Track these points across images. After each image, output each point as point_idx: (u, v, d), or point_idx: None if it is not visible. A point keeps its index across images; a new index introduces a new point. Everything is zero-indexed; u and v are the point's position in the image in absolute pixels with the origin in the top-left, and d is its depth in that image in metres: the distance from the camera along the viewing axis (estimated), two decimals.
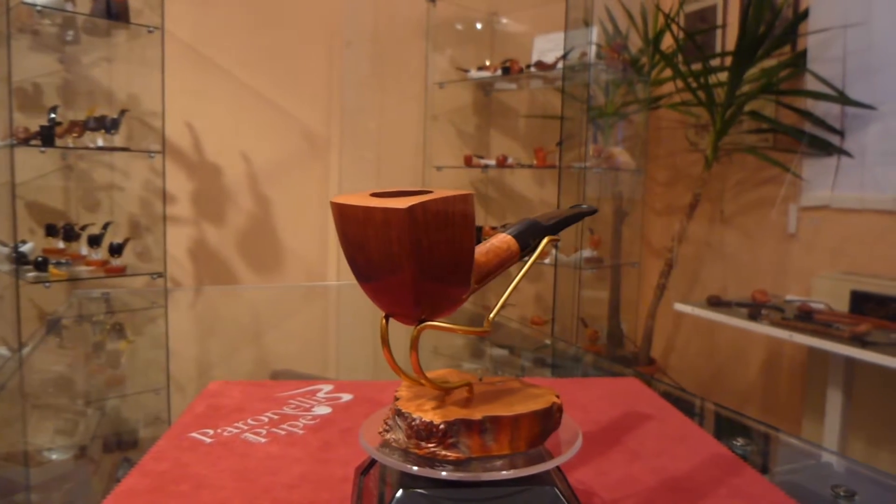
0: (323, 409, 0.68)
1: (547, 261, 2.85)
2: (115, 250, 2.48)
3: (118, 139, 2.57)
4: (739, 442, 0.62)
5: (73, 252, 2.54)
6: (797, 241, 2.64)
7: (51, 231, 2.59)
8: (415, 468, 0.40)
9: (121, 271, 2.52)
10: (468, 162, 3.07)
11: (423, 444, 0.41)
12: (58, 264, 2.45)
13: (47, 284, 2.39)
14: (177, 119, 2.84)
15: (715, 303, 2.44)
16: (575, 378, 0.81)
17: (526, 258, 0.47)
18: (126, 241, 2.56)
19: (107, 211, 2.81)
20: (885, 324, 1.91)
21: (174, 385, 2.68)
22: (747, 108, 2.57)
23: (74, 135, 2.46)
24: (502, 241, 0.45)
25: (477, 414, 0.41)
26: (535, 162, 2.91)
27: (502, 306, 0.47)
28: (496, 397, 0.45)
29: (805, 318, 2.07)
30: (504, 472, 0.40)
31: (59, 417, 2.21)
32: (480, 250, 0.45)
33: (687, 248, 3.15)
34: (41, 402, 2.30)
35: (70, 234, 2.54)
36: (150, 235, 2.78)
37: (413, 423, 0.41)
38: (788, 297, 2.44)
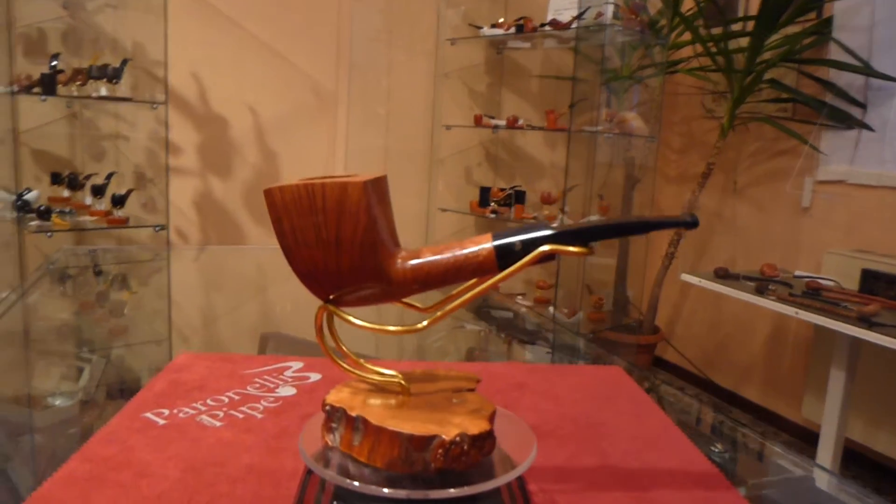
0: (287, 391, 0.66)
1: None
2: (118, 202, 2.47)
3: (122, 88, 2.53)
4: (718, 448, 0.60)
5: (77, 201, 2.54)
6: (810, 215, 2.57)
7: (56, 179, 2.58)
8: (355, 483, 0.37)
9: (123, 223, 2.51)
10: (478, 121, 3.00)
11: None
12: (61, 213, 2.45)
13: (49, 234, 2.39)
14: (182, 69, 2.79)
15: (722, 275, 2.39)
16: (556, 364, 0.78)
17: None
18: (129, 192, 2.54)
19: (112, 161, 2.79)
20: (895, 304, 1.87)
21: (176, 336, 2.69)
22: (767, 76, 2.47)
23: (78, 83, 2.42)
24: (474, 243, 0.41)
25: (368, 413, 0.39)
26: (545, 124, 2.84)
27: (446, 312, 0.43)
28: (419, 405, 0.42)
29: (813, 296, 2.02)
30: (452, 490, 0.38)
31: (63, 364, 2.22)
32: (431, 250, 0.42)
33: (698, 217, 3.09)
34: (45, 349, 2.32)
35: (74, 184, 2.53)
36: (155, 187, 2.77)
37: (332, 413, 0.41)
38: (798, 273, 2.39)
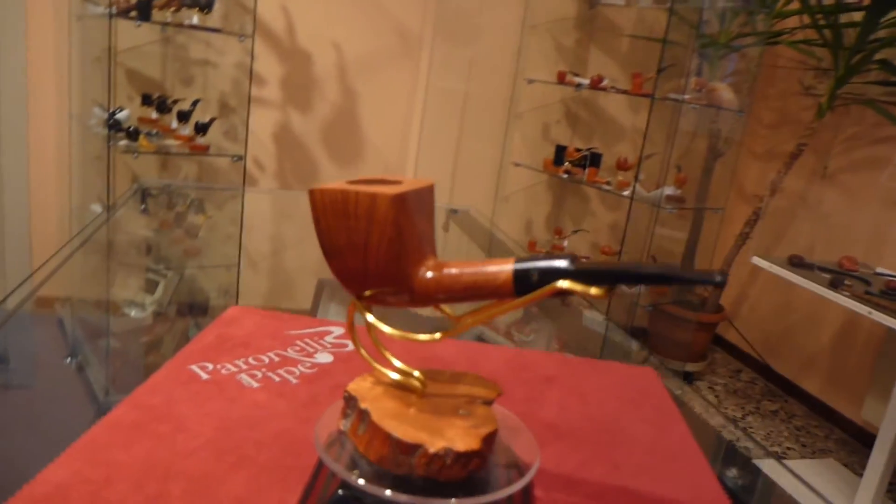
0: (325, 357, 0.69)
1: (625, 192, 2.74)
2: (201, 129, 2.56)
3: (213, 17, 2.59)
4: (733, 473, 0.60)
5: (163, 124, 2.64)
6: None
7: (146, 101, 2.69)
8: (361, 481, 0.40)
9: (204, 150, 2.61)
10: (561, 78, 2.92)
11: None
12: (148, 135, 2.56)
13: (136, 154, 2.51)
14: (272, 2, 2.82)
15: (796, 263, 2.29)
16: (590, 359, 0.78)
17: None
18: (212, 120, 2.63)
19: (199, 87, 2.88)
20: None
21: (246, 262, 2.81)
22: (878, 56, 2.29)
23: (172, 9, 2.49)
24: (495, 265, 0.42)
25: (379, 417, 0.42)
26: (630, 87, 2.74)
27: (458, 330, 0.44)
28: (425, 409, 0.44)
29: (891, 296, 1.93)
30: (453, 500, 0.40)
31: (140, 277, 2.37)
32: (457, 265, 0.43)
33: (780, 199, 2.95)
34: (126, 261, 2.47)
35: (162, 107, 2.63)
36: (237, 117, 2.85)
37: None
38: (879, 270, 2.26)
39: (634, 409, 0.67)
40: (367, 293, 0.45)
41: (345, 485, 0.41)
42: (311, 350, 0.71)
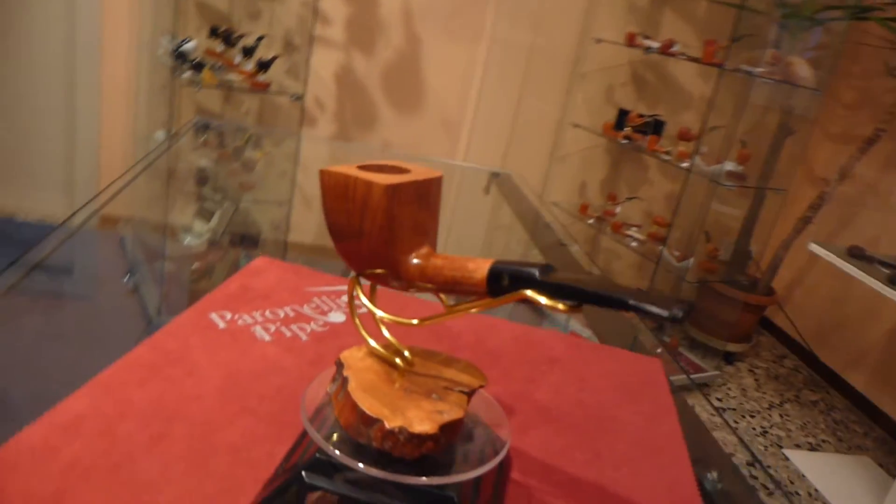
0: (337, 317, 0.72)
1: (684, 164, 2.66)
2: (263, 66, 2.60)
3: None
4: (713, 476, 0.61)
5: (228, 58, 2.69)
6: None
7: (213, 33, 2.74)
8: (337, 452, 0.43)
9: (265, 87, 2.65)
10: (630, 40, 2.82)
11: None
12: (213, 68, 2.61)
13: (198, 87, 2.58)
14: None
15: (855, 254, 2.21)
16: (598, 344, 0.79)
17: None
18: (274, 58, 2.66)
19: (266, 22, 2.91)
20: None
21: (299, 200, 2.89)
22: None
23: None
24: (474, 264, 0.43)
25: (356, 392, 0.44)
26: (702, 55, 2.63)
27: (434, 319, 0.45)
28: (402, 385, 0.46)
29: None
30: (424, 479, 0.42)
31: (198, 205, 2.48)
32: (444, 258, 0.44)
33: (849, 185, 2.82)
34: (185, 189, 2.58)
35: (228, 40, 2.68)
36: (300, 55, 2.87)
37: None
38: None
39: (630, 399, 0.68)
40: (365, 272, 0.48)
41: (323, 450, 0.44)
42: (326, 308, 0.74)
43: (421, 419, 0.42)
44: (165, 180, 2.40)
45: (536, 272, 0.39)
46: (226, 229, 2.56)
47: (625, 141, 2.89)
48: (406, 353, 0.49)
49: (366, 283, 0.50)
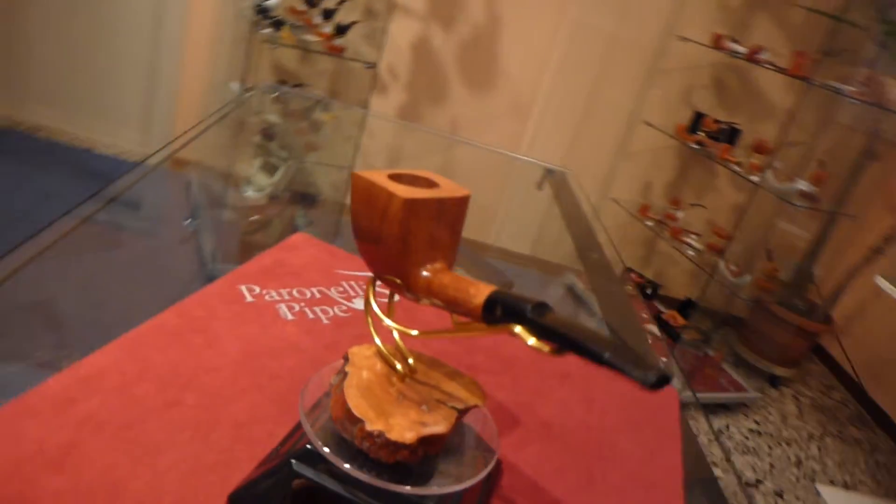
0: (361, 304, 0.74)
1: (755, 177, 2.57)
2: (341, 30, 2.62)
3: None
4: None
5: (308, 18, 2.73)
6: None
7: None
8: (325, 449, 0.45)
9: (340, 51, 2.68)
10: (717, 42, 2.71)
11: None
12: (292, 27, 2.65)
13: (275, 46, 2.62)
14: None
15: None
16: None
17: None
18: (353, 23, 2.68)
19: None
20: None
21: (362, 165, 2.93)
22: None
23: None
24: (476, 289, 0.43)
25: (350, 395, 0.45)
26: (790, 66, 2.51)
27: (432, 334, 0.46)
28: (398, 390, 0.47)
29: None
30: (408, 487, 0.44)
31: (263, 159, 2.54)
32: (453, 276, 0.45)
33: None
34: (253, 141, 2.64)
35: (311, 0, 2.71)
36: (378, 22, 2.88)
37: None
38: None
39: (636, 427, 0.67)
40: (380, 276, 0.49)
41: (310, 455, 0.46)
42: (352, 294, 0.76)
43: (402, 427, 0.43)
44: (235, 132, 2.47)
45: (528, 310, 0.39)
46: (287, 186, 2.63)
47: (696, 146, 2.81)
48: (410, 361, 0.50)
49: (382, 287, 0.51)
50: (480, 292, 0.42)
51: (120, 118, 3.19)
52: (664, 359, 2.83)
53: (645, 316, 3.18)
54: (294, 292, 0.72)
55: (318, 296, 0.73)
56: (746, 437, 2.59)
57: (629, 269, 3.29)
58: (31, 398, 0.50)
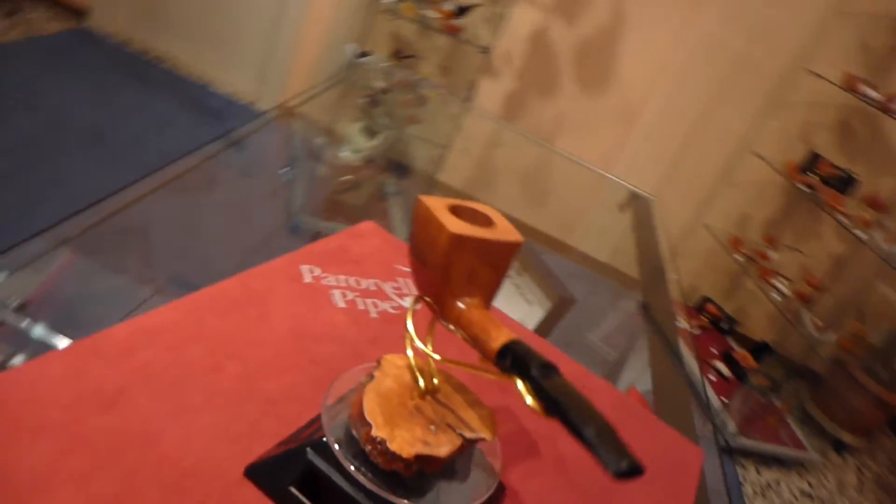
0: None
1: (861, 232, 2.42)
2: (461, 10, 2.63)
3: None
4: None
5: None
6: None
7: None
8: (335, 446, 0.48)
9: (457, 32, 2.69)
10: (849, 84, 2.55)
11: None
12: (416, 0, 2.69)
13: (395, 16, 2.66)
14: None
15: None
16: (646, 412, 0.78)
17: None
18: (474, 6, 2.68)
19: None
20: None
21: (460, 145, 2.96)
22: None
23: None
24: (498, 333, 0.44)
25: (369, 408, 0.47)
26: None
27: (452, 361, 0.48)
28: (415, 404, 0.49)
29: None
30: (405, 502, 0.46)
31: (366, 122, 2.61)
32: (484, 315, 0.47)
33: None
34: (358, 104, 2.72)
35: None
36: (499, 8, 2.87)
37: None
38: None
39: (650, 481, 0.67)
40: (423, 296, 0.51)
41: (319, 448, 0.50)
42: (405, 291, 0.79)
43: (404, 440, 0.46)
44: (344, 92, 2.54)
45: (534, 368, 0.40)
46: (383, 153, 2.70)
47: (805, 187, 2.67)
48: (435, 381, 0.52)
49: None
50: (500, 338, 0.44)
51: (240, 62, 3.34)
52: (724, 399, 2.74)
53: (714, 351, 3.08)
54: (351, 280, 0.76)
55: (372, 288, 0.77)
56: (796, 498, 2.48)
57: (707, 300, 3.19)
58: (99, 340, 0.55)
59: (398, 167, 2.71)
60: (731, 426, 2.58)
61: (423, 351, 0.50)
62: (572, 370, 0.79)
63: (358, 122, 2.52)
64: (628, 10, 2.84)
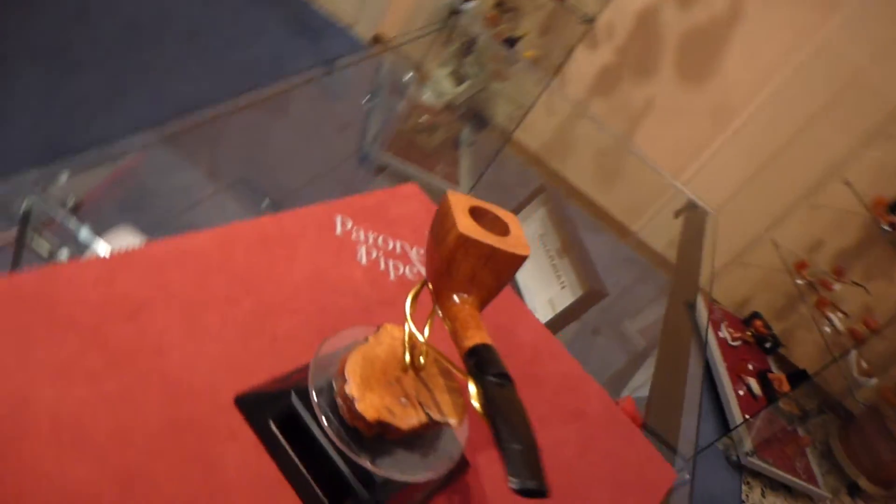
0: None
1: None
2: None
3: None
4: None
5: None
6: None
7: None
8: (314, 394, 0.52)
9: None
10: None
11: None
12: None
13: None
14: None
15: None
16: (630, 423, 0.80)
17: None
18: None
19: None
20: None
21: (540, 107, 2.93)
22: None
23: None
24: (475, 334, 0.47)
25: (349, 374, 0.51)
26: None
27: (437, 355, 0.51)
28: (397, 373, 0.53)
29: None
30: (368, 462, 0.51)
31: (454, 67, 2.62)
32: (467, 316, 0.50)
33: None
34: (450, 48, 2.72)
35: None
36: None
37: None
38: None
39: (618, 487, 0.70)
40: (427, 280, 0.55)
41: (316, 389, 0.54)
42: None
43: (371, 404, 0.50)
44: (440, 33, 2.54)
45: (491, 375, 0.44)
46: (465, 101, 2.70)
47: (888, 227, 2.54)
48: (422, 359, 0.56)
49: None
50: (474, 338, 0.47)
51: None
52: (747, 415, 2.70)
53: (750, 367, 3.03)
54: (379, 239, 0.80)
55: (398, 250, 0.80)
56: None
57: (757, 315, 3.11)
58: (135, 254, 0.61)
59: (477, 118, 2.71)
60: (748, 444, 2.56)
61: (412, 329, 0.53)
62: (567, 370, 0.81)
63: (447, 66, 2.51)
64: (749, 5, 2.70)
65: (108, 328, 0.54)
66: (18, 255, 0.62)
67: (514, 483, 0.38)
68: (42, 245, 0.61)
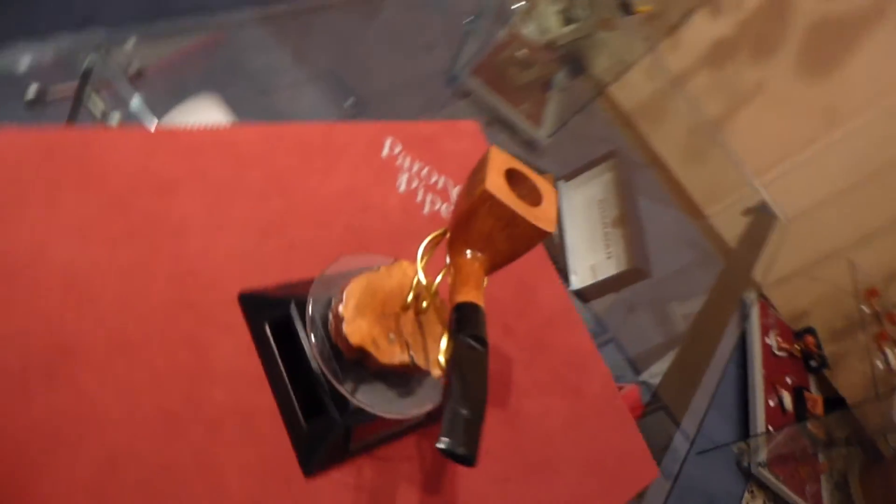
0: None
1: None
2: None
3: None
4: None
5: None
6: None
7: None
8: (310, 306, 0.53)
9: None
10: None
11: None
12: None
13: None
14: None
15: None
16: (625, 409, 0.79)
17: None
18: None
19: None
20: None
21: (644, 62, 2.80)
22: None
23: None
24: (467, 290, 0.48)
25: (348, 311, 0.52)
26: None
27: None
28: (389, 305, 0.54)
29: None
30: (348, 386, 0.52)
31: (564, 7, 2.54)
32: (476, 273, 0.49)
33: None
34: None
35: None
36: None
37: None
38: None
39: (594, 475, 0.70)
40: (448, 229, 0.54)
41: (314, 302, 0.55)
42: None
43: (359, 329, 0.51)
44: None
45: (462, 334, 0.43)
46: (568, 44, 2.60)
47: None
48: (424, 304, 0.56)
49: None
50: (466, 295, 0.47)
51: None
52: (771, 427, 2.65)
53: (788, 380, 2.95)
54: (424, 171, 0.79)
55: (440, 185, 0.79)
56: None
57: (810, 331, 2.99)
58: (180, 133, 0.62)
59: (575, 64, 2.61)
60: (763, 455, 2.52)
61: (420, 271, 0.53)
62: (577, 344, 0.80)
63: (558, 2, 2.41)
64: (844, 20, 2.47)
65: (135, 200, 0.56)
66: (75, 110, 0.64)
67: (442, 443, 0.38)
68: (97, 105, 0.63)
